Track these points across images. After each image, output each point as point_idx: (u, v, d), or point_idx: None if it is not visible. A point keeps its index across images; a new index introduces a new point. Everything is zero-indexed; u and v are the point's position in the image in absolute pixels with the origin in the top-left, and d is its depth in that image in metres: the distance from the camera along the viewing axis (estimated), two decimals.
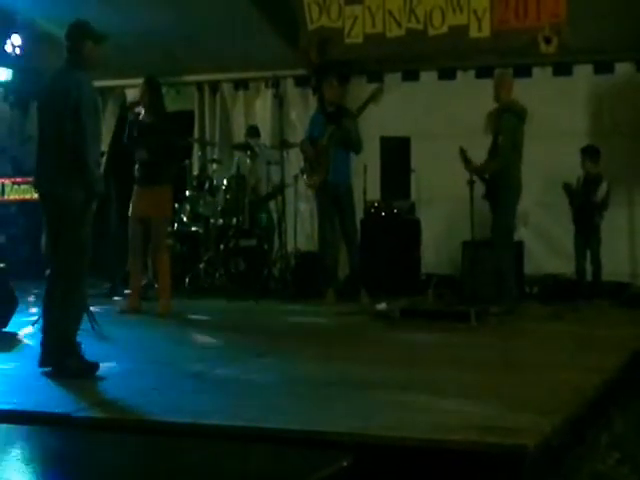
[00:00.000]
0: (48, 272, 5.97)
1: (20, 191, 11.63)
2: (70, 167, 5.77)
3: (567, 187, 9.82)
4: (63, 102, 5.80)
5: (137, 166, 8.99)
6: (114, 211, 12.67)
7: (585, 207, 9.81)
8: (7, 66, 12.09)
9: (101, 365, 5.89)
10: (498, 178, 8.84)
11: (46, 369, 5.81)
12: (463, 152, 9.04)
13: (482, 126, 9.05)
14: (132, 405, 4.99)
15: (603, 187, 9.81)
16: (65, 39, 6.02)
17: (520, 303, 9.10)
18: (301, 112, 11.67)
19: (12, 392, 5.38)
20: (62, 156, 5.78)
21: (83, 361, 5.83)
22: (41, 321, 6.08)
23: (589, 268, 9.95)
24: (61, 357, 5.80)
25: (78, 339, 5.92)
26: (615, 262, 10.21)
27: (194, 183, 10.92)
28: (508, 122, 8.80)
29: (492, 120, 8.94)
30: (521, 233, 10.27)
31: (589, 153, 9.95)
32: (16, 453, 4.09)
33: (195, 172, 11.39)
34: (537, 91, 10.49)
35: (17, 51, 11.58)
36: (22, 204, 11.36)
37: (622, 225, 10.38)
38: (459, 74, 11.12)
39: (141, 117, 9.09)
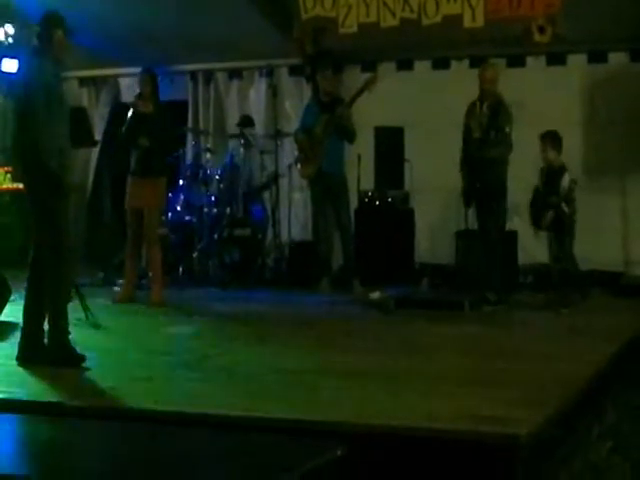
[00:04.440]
0: (31, 259, 5.99)
1: (13, 180, 11.61)
2: (31, 153, 5.82)
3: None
4: (20, 87, 5.99)
5: (134, 157, 8.96)
6: (107, 201, 12.67)
7: (546, 204, 8.83)
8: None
9: (94, 354, 5.90)
10: (492, 169, 8.80)
11: (24, 361, 5.84)
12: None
13: (463, 115, 9.01)
14: (125, 394, 5.00)
15: (565, 179, 8.85)
16: (37, 25, 6.10)
17: (512, 292, 9.11)
18: (295, 101, 11.64)
19: (4, 381, 5.38)
20: (25, 142, 5.85)
21: (70, 350, 5.84)
22: (25, 310, 6.08)
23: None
24: (50, 343, 5.83)
25: (69, 329, 5.93)
26: (608, 251, 10.23)
27: (188, 172, 10.90)
28: (510, 112, 8.80)
29: (481, 111, 8.90)
30: (514, 223, 10.26)
31: (550, 140, 8.89)
32: (8, 442, 4.09)
33: (189, 161, 11.37)
34: (531, 80, 10.49)
35: (9, 40, 11.55)
36: (15, 193, 11.31)
37: (615, 214, 10.38)
38: (453, 63, 11.10)
39: (140, 108, 9.06)
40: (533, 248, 10.50)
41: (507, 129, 8.70)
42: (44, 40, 6.04)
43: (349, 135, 9.97)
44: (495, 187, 8.78)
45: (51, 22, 6.10)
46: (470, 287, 8.92)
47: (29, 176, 5.90)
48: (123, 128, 9.13)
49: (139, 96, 9.19)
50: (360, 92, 9.91)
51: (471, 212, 9.25)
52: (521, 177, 9.66)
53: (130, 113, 9.15)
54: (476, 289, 8.73)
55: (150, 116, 8.97)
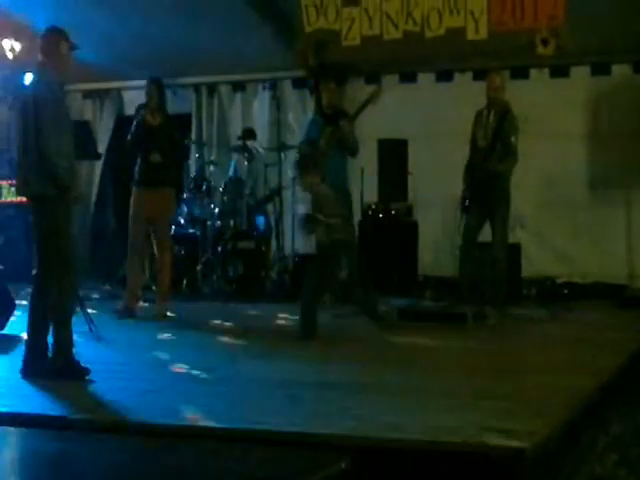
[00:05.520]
0: (34, 273, 5.99)
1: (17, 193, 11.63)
2: (37, 163, 5.83)
3: None
4: (25, 100, 5.97)
5: (142, 168, 8.89)
6: (111, 214, 12.68)
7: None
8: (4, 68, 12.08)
9: (98, 367, 5.89)
10: (496, 180, 8.75)
11: (28, 375, 5.83)
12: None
13: (471, 124, 8.99)
14: (128, 407, 4.99)
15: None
16: (41, 39, 6.11)
17: (515, 305, 9.10)
18: (299, 114, 11.67)
19: (8, 394, 5.38)
20: (30, 154, 5.86)
21: (75, 363, 5.83)
22: (30, 324, 6.07)
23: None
24: (52, 355, 5.83)
25: (74, 341, 5.93)
26: (612, 263, 10.22)
27: (191, 185, 10.91)
28: (517, 123, 8.78)
29: (488, 120, 8.88)
30: (518, 235, 10.26)
31: (303, 166, 8.24)
32: (11, 456, 4.08)
33: (192, 174, 11.38)
34: (534, 93, 10.51)
35: (14, 53, 11.60)
36: (20, 206, 11.33)
37: (620, 227, 10.38)
38: (456, 76, 11.12)
39: (147, 119, 8.97)
40: (537, 260, 10.51)
41: (512, 139, 8.67)
42: (50, 53, 6.06)
43: (352, 149, 9.96)
44: (499, 199, 8.75)
45: (56, 36, 6.13)
46: (472, 299, 8.90)
47: (38, 187, 5.89)
48: (129, 138, 9.00)
49: (145, 106, 9.10)
50: (364, 106, 9.91)
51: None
52: (525, 188, 9.70)
53: (136, 123, 9.03)
54: (478, 302, 8.70)
55: (158, 128, 8.89)
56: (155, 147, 8.78)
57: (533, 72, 10.82)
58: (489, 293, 8.73)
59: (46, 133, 5.81)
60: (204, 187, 10.84)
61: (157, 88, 9.05)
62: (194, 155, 11.91)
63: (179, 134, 9.32)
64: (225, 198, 10.76)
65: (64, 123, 5.98)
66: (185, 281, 10.50)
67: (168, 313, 8.87)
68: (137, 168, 8.93)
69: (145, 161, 8.84)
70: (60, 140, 5.87)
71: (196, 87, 12.36)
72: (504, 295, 8.74)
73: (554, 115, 10.52)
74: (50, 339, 5.94)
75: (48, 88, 5.95)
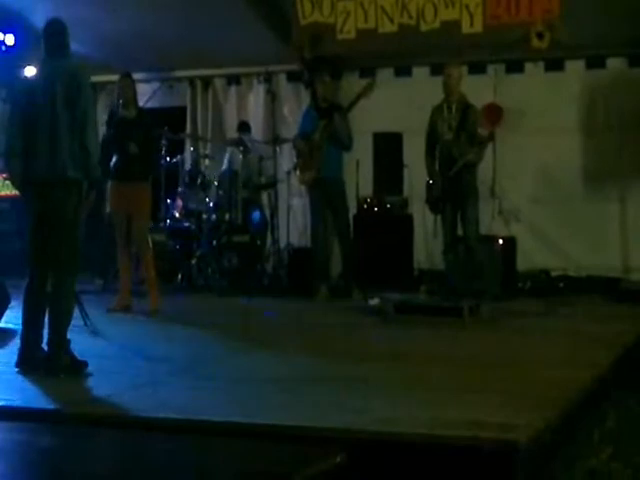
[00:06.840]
0: (33, 267, 5.96)
1: (12, 187, 11.58)
2: (72, 152, 5.81)
3: None
4: (65, 87, 5.86)
5: (117, 161, 8.87)
6: (106, 208, 12.64)
7: None
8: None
9: (93, 361, 5.88)
10: (467, 172, 8.80)
11: (23, 368, 5.82)
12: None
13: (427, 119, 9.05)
14: (124, 401, 4.99)
15: None
16: (54, 33, 6.08)
17: (511, 298, 9.11)
18: (293, 107, 11.67)
19: (3, 388, 5.37)
20: (60, 144, 5.82)
21: (73, 358, 5.82)
22: (26, 317, 6.05)
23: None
24: (53, 352, 5.81)
25: (69, 336, 5.91)
26: (607, 257, 10.23)
27: (186, 179, 10.89)
28: (480, 116, 8.89)
29: (450, 113, 8.95)
30: (514, 229, 10.27)
31: None
32: (6, 449, 4.08)
33: (187, 168, 11.36)
34: (529, 86, 10.51)
35: (3, 48, 11.59)
36: (14, 200, 11.30)
37: (614, 220, 10.39)
38: None
39: (122, 112, 8.94)
40: (532, 254, 10.52)
41: (480, 131, 8.80)
42: (68, 45, 6.06)
43: (345, 143, 9.95)
44: (470, 190, 8.81)
45: (65, 27, 6.11)
46: (464, 293, 8.91)
47: (73, 181, 5.86)
48: (107, 133, 8.94)
49: (118, 100, 9.02)
50: (357, 99, 9.91)
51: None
52: (520, 182, 9.70)
53: (114, 119, 9.00)
54: (471, 295, 8.71)
55: (133, 121, 8.87)
56: (131, 139, 8.73)
57: (528, 66, 10.82)
58: (478, 287, 8.76)
59: (91, 123, 5.84)
60: (199, 180, 10.82)
61: (130, 82, 9.04)
62: (189, 149, 11.91)
63: (155, 127, 9.30)
64: (220, 192, 10.75)
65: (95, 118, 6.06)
66: (180, 275, 10.49)
67: (160, 307, 8.80)
68: (113, 162, 8.89)
69: (122, 153, 8.80)
70: (95, 130, 5.92)
71: (191, 80, 12.35)
72: (498, 287, 8.76)
73: (549, 109, 10.52)
74: (45, 332, 5.93)
75: (85, 77, 5.97)
